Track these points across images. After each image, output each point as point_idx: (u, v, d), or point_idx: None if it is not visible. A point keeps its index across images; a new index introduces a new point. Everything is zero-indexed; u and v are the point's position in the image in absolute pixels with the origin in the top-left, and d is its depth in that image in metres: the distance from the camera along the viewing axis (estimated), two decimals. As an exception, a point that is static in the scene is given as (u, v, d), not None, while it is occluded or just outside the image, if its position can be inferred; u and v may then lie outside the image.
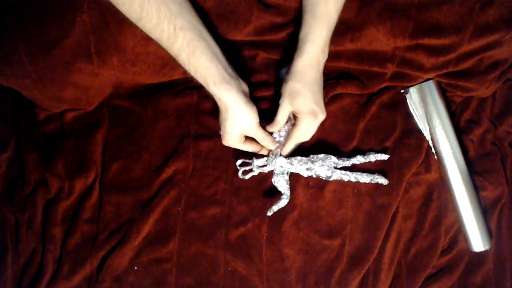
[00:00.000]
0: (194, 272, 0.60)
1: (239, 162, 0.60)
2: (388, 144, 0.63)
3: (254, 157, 0.60)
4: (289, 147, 0.59)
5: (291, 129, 0.59)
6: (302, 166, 0.59)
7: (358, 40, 0.59)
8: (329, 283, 0.60)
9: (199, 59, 0.50)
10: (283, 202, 0.59)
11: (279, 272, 0.60)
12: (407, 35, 0.57)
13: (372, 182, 0.60)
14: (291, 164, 0.59)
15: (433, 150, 0.63)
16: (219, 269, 0.60)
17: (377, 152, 0.61)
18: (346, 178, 0.59)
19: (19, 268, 0.60)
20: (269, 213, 0.59)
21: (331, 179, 0.59)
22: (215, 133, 0.63)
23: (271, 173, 0.61)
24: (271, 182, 0.60)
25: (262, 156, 0.61)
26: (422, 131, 0.63)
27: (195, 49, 0.50)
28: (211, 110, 0.64)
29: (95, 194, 0.63)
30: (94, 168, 0.63)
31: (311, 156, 0.59)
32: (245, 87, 0.56)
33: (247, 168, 0.60)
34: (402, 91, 0.64)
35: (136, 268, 0.60)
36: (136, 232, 0.60)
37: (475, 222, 0.62)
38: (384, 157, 0.61)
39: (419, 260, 0.62)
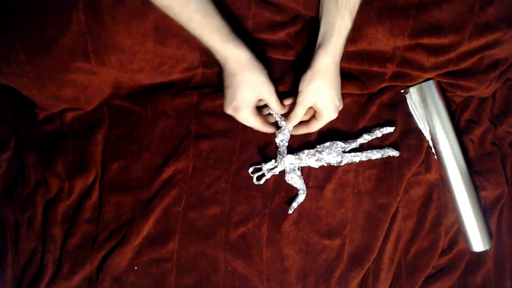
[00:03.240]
0: (194, 272, 0.60)
1: (250, 169, 0.61)
2: (388, 144, 0.63)
3: (263, 163, 0.60)
4: (301, 132, 0.60)
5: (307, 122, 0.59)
6: (311, 159, 0.59)
7: (358, 40, 0.59)
8: (329, 283, 0.60)
9: (215, 18, 0.50)
10: (301, 197, 0.60)
11: (279, 272, 0.60)
12: (406, 35, 0.57)
13: (384, 156, 0.60)
14: (300, 159, 0.59)
15: (433, 150, 0.63)
16: (219, 269, 0.60)
17: (382, 126, 0.62)
18: (357, 159, 0.60)
19: (19, 268, 0.60)
20: (290, 211, 0.59)
21: (342, 164, 0.60)
22: (216, 133, 0.63)
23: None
24: (271, 182, 0.60)
25: (269, 159, 0.60)
26: (422, 131, 0.63)
27: (209, 10, 0.50)
28: (211, 110, 0.64)
29: (95, 194, 0.63)
30: (94, 168, 0.63)
31: (317, 146, 0.60)
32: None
33: (259, 173, 0.60)
34: (402, 91, 0.64)
35: (136, 268, 0.60)
36: (136, 232, 0.60)
37: (475, 222, 0.62)
38: (390, 129, 0.61)
39: (419, 260, 0.62)
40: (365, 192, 0.62)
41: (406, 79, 0.63)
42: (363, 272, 0.61)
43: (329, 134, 0.63)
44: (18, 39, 0.55)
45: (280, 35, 0.60)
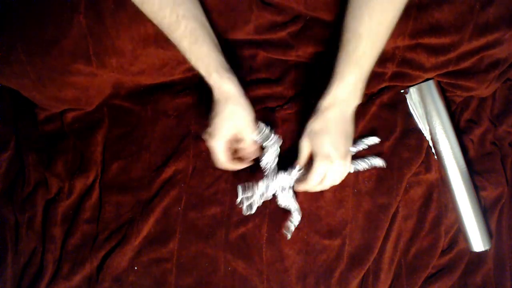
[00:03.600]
0: (194, 272, 0.60)
1: (238, 200, 0.57)
2: (388, 144, 0.63)
3: (254, 187, 0.57)
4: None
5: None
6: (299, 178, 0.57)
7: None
8: (329, 283, 0.60)
9: (202, 46, 0.50)
10: (296, 218, 0.58)
11: (279, 272, 0.60)
12: (407, 35, 0.57)
13: (370, 167, 0.60)
14: (290, 177, 0.57)
15: (433, 150, 0.63)
16: (219, 269, 0.60)
17: (367, 138, 0.61)
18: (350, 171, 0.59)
19: (19, 268, 0.60)
20: (289, 235, 0.59)
21: None
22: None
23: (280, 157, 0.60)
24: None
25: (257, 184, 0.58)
26: (422, 131, 0.63)
27: (197, 37, 0.49)
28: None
29: (95, 194, 0.63)
30: (94, 168, 0.63)
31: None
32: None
33: (248, 202, 0.58)
34: (402, 91, 0.64)
35: (136, 268, 0.60)
36: (136, 232, 0.60)
37: (475, 222, 0.62)
38: (375, 140, 0.61)
39: (419, 260, 0.62)
40: (365, 192, 0.62)
41: (406, 79, 0.63)
42: (363, 272, 0.61)
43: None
44: (18, 40, 0.55)
45: (281, 34, 0.60)
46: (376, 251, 0.61)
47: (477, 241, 0.62)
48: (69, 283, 0.60)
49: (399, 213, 0.62)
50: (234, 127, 0.52)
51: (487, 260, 0.63)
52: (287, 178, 0.57)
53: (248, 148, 0.56)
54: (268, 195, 0.58)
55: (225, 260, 0.60)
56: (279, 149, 0.58)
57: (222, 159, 0.54)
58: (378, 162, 0.60)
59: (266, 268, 0.60)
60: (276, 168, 0.58)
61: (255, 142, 0.56)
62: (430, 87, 0.62)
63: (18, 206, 0.62)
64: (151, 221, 0.61)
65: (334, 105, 0.50)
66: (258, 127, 0.55)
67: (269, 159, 0.57)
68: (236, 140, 0.55)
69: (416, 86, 0.63)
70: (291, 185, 0.58)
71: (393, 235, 0.62)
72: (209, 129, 0.52)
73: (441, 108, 0.62)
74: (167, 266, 0.60)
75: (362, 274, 0.61)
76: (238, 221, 0.61)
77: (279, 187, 0.57)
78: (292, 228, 0.58)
